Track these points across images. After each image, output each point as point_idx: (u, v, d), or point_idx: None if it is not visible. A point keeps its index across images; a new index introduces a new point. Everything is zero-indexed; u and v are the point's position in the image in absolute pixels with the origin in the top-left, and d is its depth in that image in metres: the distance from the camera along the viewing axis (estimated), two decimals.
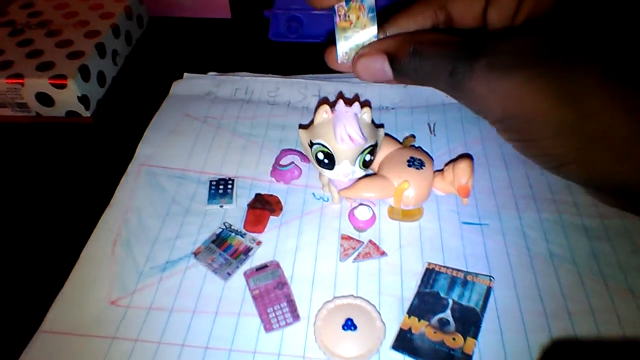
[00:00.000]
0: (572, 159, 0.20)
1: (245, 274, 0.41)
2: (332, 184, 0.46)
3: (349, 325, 0.37)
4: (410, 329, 0.37)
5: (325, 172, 0.43)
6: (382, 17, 0.24)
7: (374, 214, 0.44)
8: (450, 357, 0.36)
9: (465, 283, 0.40)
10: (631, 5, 0.20)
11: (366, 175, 0.44)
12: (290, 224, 0.46)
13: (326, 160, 0.42)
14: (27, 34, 0.61)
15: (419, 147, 0.50)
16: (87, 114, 0.57)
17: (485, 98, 0.20)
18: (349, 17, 0.24)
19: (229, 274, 0.41)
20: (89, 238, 0.45)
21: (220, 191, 0.48)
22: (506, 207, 0.47)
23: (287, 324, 0.38)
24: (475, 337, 0.37)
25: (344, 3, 0.24)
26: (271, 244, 0.44)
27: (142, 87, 0.62)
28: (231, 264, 0.42)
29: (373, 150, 0.42)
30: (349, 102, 0.41)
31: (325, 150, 0.41)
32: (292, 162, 0.50)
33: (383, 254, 0.43)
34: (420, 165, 0.44)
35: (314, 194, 0.49)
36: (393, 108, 0.58)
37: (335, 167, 0.42)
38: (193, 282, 0.41)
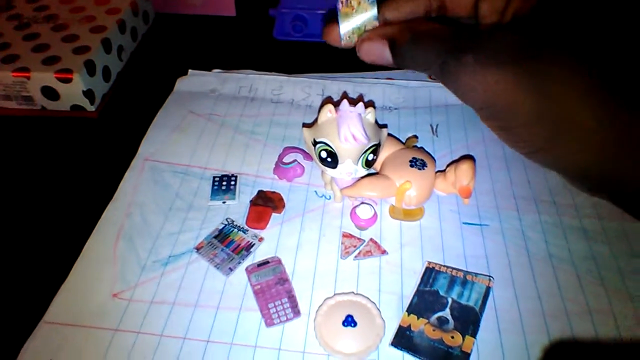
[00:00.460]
0: (542, 147, 0.22)
1: (247, 269, 0.41)
2: (335, 183, 0.46)
3: (349, 321, 0.37)
4: (409, 327, 0.38)
5: (328, 170, 0.43)
6: None
7: (375, 212, 0.45)
8: (448, 355, 0.36)
9: (464, 282, 0.41)
10: (608, 4, 0.22)
11: (369, 175, 0.44)
12: (292, 221, 0.46)
13: (329, 159, 0.42)
14: (33, 28, 0.61)
15: (421, 148, 0.50)
16: (92, 108, 0.57)
17: (469, 88, 0.23)
18: (350, 3, 0.26)
19: (231, 269, 0.41)
20: (92, 231, 0.45)
21: (224, 187, 0.48)
22: (506, 208, 0.47)
23: (287, 320, 0.38)
24: (473, 335, 0.37)
25: None
26: (273, 240, 0.44)
27: (147, 83, 0.63)
28: (233, 260, 0.42)
29: (376, 149, 0.43)
30: (353, 102, 0.41)
31: (329, 149, 0.41)
32: (295, 160, 0.50)
33: (384, 252, 0.43)
34: (422, 165, 0.44)
35: (316, 192, 0.49)
36: (396, 108, 0.58)
37: (338, 166, 0.42)
38: (195, 276, 0.41)
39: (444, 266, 0.42)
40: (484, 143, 0.53)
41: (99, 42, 0.58)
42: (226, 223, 0.45)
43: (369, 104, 0.44)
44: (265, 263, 0.42)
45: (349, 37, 0.27)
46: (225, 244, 0.43)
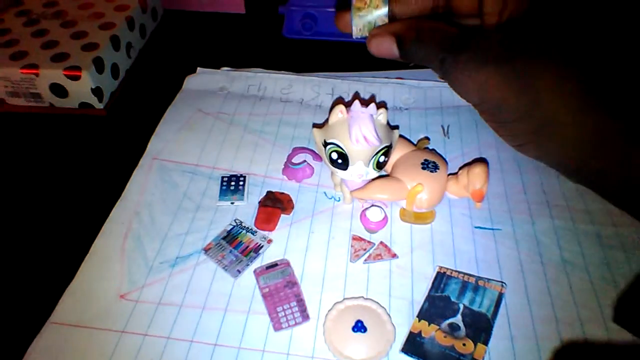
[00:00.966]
0: (530, 140, 0.25)
1: (255, 271, 0.41)
2: (345, 184, 0.46)
3: (359, 327, 0.37)
4: (420, 333, 0.37)
5: (339, 172, 0.43)
6: None
7: (385, 215, 0.44)
8: None
9: (476, 288, 0.40)
10: (597, 8, 0.24)
11: (379, 177, 0.44)
12: (301, 223, 0.45)
13: (340, 161, 0.41)
14: (42, 25, 0.61)
15: (433, 150, 0.49)
16: (100, 106, 0.57)
17: (465, 85, 0.25)
18: None
19: (239, 272, 0.41)
20: (99, 231, 0.45)
21: (232, 188, 0.48)
22: (519, 213, 0.46)
23: (296, 324, 0.38)
24: (485, 343, 0.36)
25: None
26: (282, 242, 0.44)
27: (156, 81, 0.62)
28: (241, 262, 0.42)
29: (387, 151, 0.42)
30: (365, 103, 0.40)
31: (340, 150, 0.41)
32: (304, 161, 0.50)
33: (394, 256, 0.42)
34: (434, 168, 0.43)
35: (325, 193, 0.48)
36: (407, 109, 0.58)
37: (349, 167, 0.41)
38: (203, 278, 0.41)
39: (455, 271, 0.41)
40: (496, 145, 0.53)
41: (107, 39, 0.58)
42: (235, 224, 0.45)
43: (381, 105, 0.43)
44: (273, 265, 0.41)
45: (359, 30, 0.29)
46: (234, 246, 0.43)
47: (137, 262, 0.42)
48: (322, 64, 0.64)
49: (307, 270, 0.42)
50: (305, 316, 0.38)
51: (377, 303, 0.39)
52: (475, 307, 0.39)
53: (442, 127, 0.55)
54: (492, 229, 0.45)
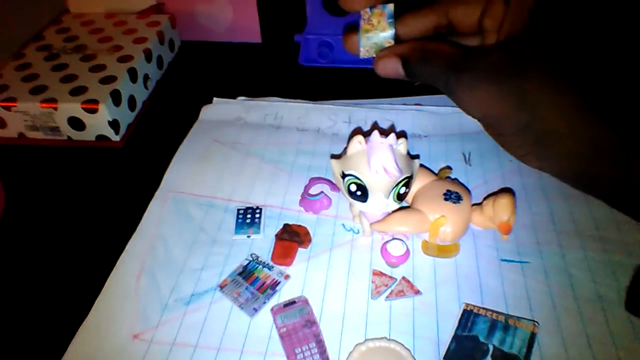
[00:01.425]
0: (530, 151, 0.26)
1: (272, 310, 0.39)
2: (364, 216, 0.44)
3: None
4: None
5: (358, 204, 0.41)
6: (395, 14, 0.30)
7: (407, 248, 0.42)
8: None
9: (506, 327, 0.37)
10: (594, 22, 0.24)
11: (400, 208, 0.42)
12: (320, 257, 0.44)
13: (359, 193, 0.40)
14: (62, 59, 0.62)
15: (455, 179, 0.48)
16: (117, 138, 0.57)
17: (468, 101, 0.27)
18: (371, 20, 0.29)
19: (256, 310, 0.39)
20: (114, 265, 0.44)
21: (248, 220, 0.47)
22: (548, 244, 0.44)
23: None
24: None
25: (368, 9, 0.29)
26: (299, 278, 0.42)
27: (172, 112, 0.62)
28: (258, 299, 0.40)
29: (408, 182, 0.40)
30: (383, 132, 0.39)
31: (358, 182, 0.40)
32: (322, 192, 0.48)
33: (417, 292, 0.40)
34: (457, 199, 0.41)
35: (344, 225, 0.47)
36: (426, 136, 0.56)
37: (368, 199, 0.40)
38: (218, 317, 0.40)
39: (483, 308, 0.39)
40: (520, 172, 0.51)
41: (125, 72, 0.58)
42: (251, 259, 0.43)
43: (400, 135, 0.42)
44: (291, 303, 0.40)
45: (367, 51, 0.30)
46: (250, 282, 0.41)
47: (151, 299, 0.41)
48: (339, 91, 0.64)
49: (326, 308, 0.40)
50: (325, 358, 0.36)
51: (401, 344, 0.37)
52: (506, 348, 0.36)
53: (463, 154, 0.54)
54: (520, 262, 0.43)
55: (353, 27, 0.30)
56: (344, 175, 0.41)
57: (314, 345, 0.37)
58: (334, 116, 0.59)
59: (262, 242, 0.45)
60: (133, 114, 0.60)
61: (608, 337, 0.37)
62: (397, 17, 0.29)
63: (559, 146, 0.24)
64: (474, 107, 0.26)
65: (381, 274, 0.42)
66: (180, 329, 0.39)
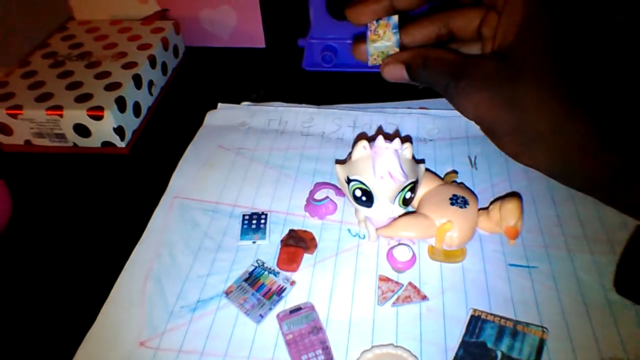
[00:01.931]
0: (521, 152, 0.28)
1: (278, 316, 0.39)
2: (369, 221, 0.44)
3: None
4: None
5: (363, 209, 0.41)
6: (399, 24, 0.33)
7: (414, 254, 0.42)
8: None
9: (515, 333, 0.37)
10: (577, 33, 0.26)
11: (406, 213, 0.42)
12: (325, 263, 0.44)
13: (364, 198, 0.40)
14: (67, 66, 0.62)
15: (462, 183, 0.47)
16: (122, 144, 0.57)
17: (465, 106, 0.29)
18: (377, 31, 0.32)
19: (262, 316, 0.39)
20: (120, 272, 0.44)
21: (253, 226, 0.46)
22: (556, 248, 0.44)
23: None
24: None
25: (375, 21, 0.32)
26: (305, 284, 0.42)
27: (177, 117, 0.63)
28: (264, 305, 0.40)
29: (414, 187, 0.40)
30: (389, 137, 0.39)
31: (363, 187, 0.39)
32: (327, 197, 0.48)
33: (424, 298, 0.40)
34: (464, 203, 0.41)
35: (349, 230, 0.47)
36: (431, 140, 0.56)
37: (374, 205, 0.40)
38: (224, 323, 0.39)
39: (491, 314, 0.39)
40: (527, 176, 0.50)
41: (130, 78, 0.59)
42: (256, 265, 0.43)
43: (406, 139, 0.42)
44: (297, 309, 0.39)
45: (374, 59, 0.34)
46: (256, 288, 0.41)
47: (157, 306, 0.41)
48: (343, 95, 0.63)
49: (333, 314, 0.40)
50: None
51: (408, 351, 0.36)
52: (514, 355, 0.36)
53: (469, 157, 0.53)
54: (528, 267, 0.42)
55: (361, 38, 0.34)
56: (348, 181, 0.40)
57: (321, 352, 0.37)
58: (339, 121, 0.59)
59: (267, 248, 0.45)
60: (138, 120, 0.60)
61: (619, 343, 0.37)
62: (401, 28, 0.32)
63: (546, 145, 0.27)
64: (470, 111, 0.29)
65: (387, 279, 0.42)
66: (186, 335, 0.39)
